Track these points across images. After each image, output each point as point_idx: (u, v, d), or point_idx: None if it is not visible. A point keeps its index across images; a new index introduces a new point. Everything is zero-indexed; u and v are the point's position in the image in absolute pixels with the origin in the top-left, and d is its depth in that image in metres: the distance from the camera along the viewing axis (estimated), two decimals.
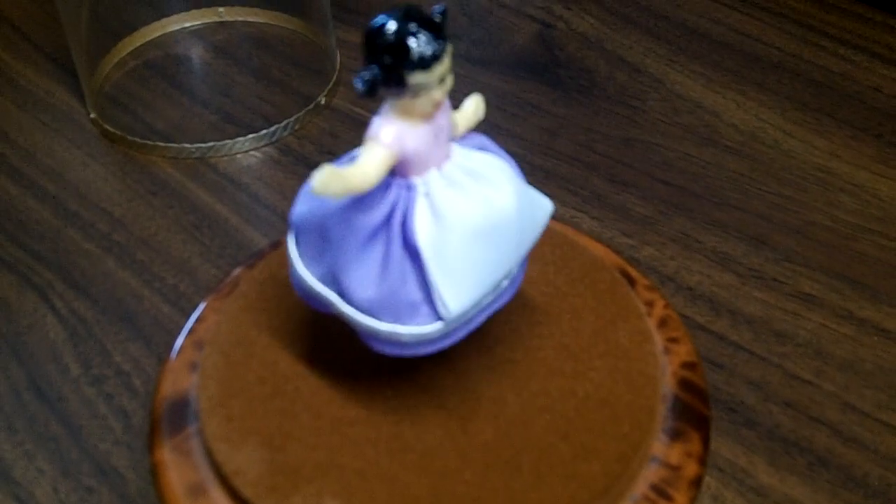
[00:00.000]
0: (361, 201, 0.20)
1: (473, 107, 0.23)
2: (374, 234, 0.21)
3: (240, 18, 0.48)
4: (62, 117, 0.43)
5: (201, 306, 0.27)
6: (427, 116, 0.20)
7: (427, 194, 0.21)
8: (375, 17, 0.20)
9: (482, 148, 0.22)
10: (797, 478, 0.29)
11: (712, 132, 0.42)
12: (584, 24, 0.48)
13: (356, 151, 0.21)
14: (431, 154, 0.21)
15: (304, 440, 0.22)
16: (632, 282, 0.27)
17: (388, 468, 0.22)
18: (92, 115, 0.43)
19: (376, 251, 0.21)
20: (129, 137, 0.41)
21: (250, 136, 0.41)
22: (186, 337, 0.26)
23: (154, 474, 0.23)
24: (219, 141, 0.41)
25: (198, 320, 0.26)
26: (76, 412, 0.32)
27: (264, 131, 0.41)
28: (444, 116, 0.21)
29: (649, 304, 0.26)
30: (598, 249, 0.28)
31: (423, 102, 0.20)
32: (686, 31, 0.48)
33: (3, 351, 0.34)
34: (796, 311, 0.34)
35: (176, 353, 0.25)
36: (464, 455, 0.22)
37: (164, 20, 0.47)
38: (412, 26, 0.19)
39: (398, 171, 0.21)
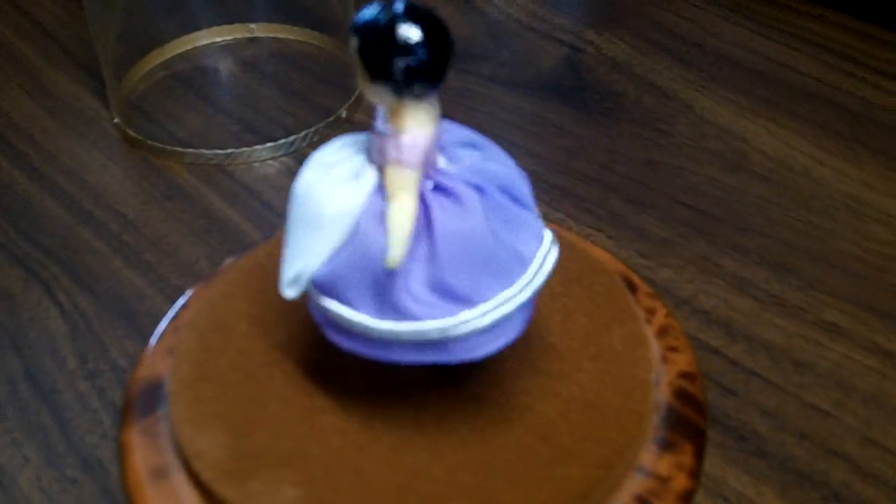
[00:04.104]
0: None
1: None
2: None
3: (270, 35, 0.48)
4: (87, 122, 0.44)
5: (188, 294, 0.26)
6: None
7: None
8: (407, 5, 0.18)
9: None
10: None
11: (740, 158, 0.41)
12: (615, 48, 0.48)
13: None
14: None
15: (270, 427, 0.21)
16: (633, 288, 0.26)
17: (354, 460, 0.21)
18: (115, 121, 0.43)
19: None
20: (150, 142, 0.41)
21: (268, 144, 0.41)
22: (169, 322, 0.25)
23: (120, 456, 0.22)
24: (237, 149, 0.41)
25: (182, 307, 0.26)
26: (67, 404, 0.31)
27: (282, 141, 0.41)
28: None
29: (650, 312, 0.25)
30: (600, 254, 0.27)
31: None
32: (719, 58, 0.47)
33: (3, 341, 0.33)
34: (818, 341, 0.33)
35: (157, 338, 0.25)
36: (435, 451, 0.21)
37: (196, 34, 0.47)
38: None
39: None
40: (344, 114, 0.43)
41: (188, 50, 0.47)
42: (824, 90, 0.44)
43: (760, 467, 0.29)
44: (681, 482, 0.22)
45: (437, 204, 0.19)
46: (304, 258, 0.19)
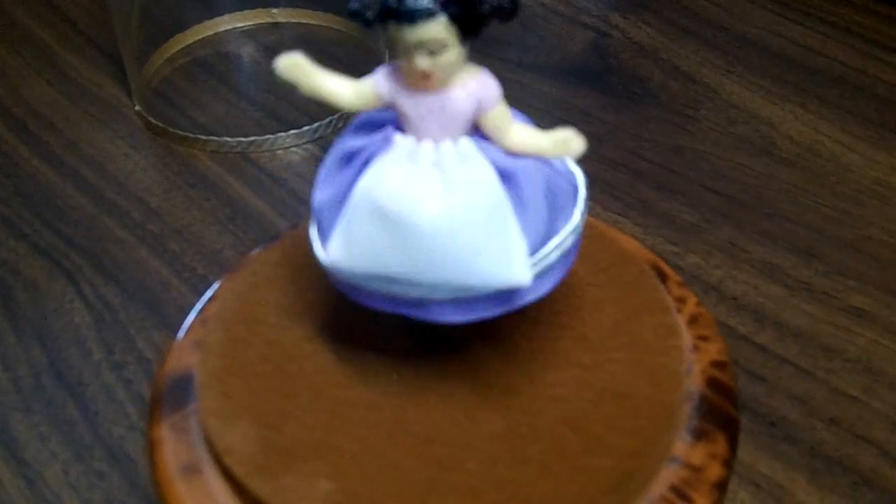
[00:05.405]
0: (361, 128, 0.21)
1: (550, 139, 0.21)
2: (348, 158, 0.21)
3: (292, 20, 0.47)
4: (108, 109, 0.44)
5: (215, 286, 0.26)
6: (411, 80, 0.19)
7: (390, 152, 0.20)
8: None
9: (505, 172, 0.20)
10: (838, 497, 0.27)
11: (767, 143, 0.40)
12: (641, 33, 0.47)
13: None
14: (413, 121, 0.20)
15: (301, 420, 0.21)
16: (663, 277, 0.25)
17: (387, 453, 0.21)
18: (137, 108, 0.43)
19: (342, 173, 0.21)
20: (172, 130, 0.41)
21: (292, 132, 0.40)
22: (196, 315, 0.25)
23: (150, 452, 0.22)
24: (261, 136, 0.40)
25: (210, 299, 0.26)
26: (94, 397, 0.31)
27: (306, 128, 0.41)
28: (455, 101, 0.20)
29: (680, 301, 0.25)
30: (629, 243, 0.26)
31: (404, 62, 0.19)
32: (746, 42, 0.46)
33: (27, 334, 0.33)
34: (847, 326, 0.32)
35: (184, 331, 0.25)
36: (468, 444, 0.21)
37: (217, 19, 0.47)
38: None
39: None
40: None
41: (209, 36, 0.47)
42: (852, 75, 0.44)
43: (790, 453, 0.29)
44: (715, 471, 0.21)
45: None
46: None
